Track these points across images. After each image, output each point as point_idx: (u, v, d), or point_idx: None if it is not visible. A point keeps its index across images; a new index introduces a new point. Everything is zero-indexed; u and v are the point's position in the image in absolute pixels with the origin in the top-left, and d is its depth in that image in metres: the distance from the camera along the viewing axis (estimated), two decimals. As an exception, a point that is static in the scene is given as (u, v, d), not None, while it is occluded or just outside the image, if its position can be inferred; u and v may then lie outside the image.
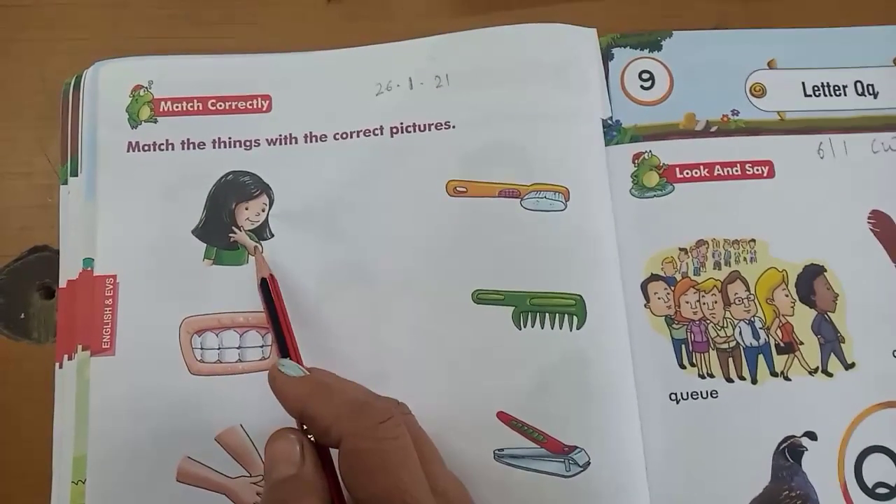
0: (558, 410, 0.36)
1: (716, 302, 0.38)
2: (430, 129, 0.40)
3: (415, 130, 0.40)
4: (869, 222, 0.40)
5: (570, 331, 0.37)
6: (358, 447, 0.29)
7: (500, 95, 0.40)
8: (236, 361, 0.37)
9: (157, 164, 0.39)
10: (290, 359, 0.33)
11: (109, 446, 0.36)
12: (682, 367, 0.37)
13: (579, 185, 0.39)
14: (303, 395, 0.31)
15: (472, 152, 0.39)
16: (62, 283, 0.38)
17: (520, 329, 0.37)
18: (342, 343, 0.37)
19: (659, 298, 0.38)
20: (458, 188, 0.39)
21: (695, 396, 0.37)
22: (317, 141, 0.40)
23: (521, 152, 0.39)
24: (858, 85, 0.42)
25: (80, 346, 0.37)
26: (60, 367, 0.37)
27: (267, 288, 0.35)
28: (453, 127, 0.40)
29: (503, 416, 0.36)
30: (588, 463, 0.35)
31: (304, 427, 0.31)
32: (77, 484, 0.36)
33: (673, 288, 0.38)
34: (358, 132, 0.40)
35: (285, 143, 0.40)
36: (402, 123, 0.40)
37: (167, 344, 0.37)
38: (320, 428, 0.30)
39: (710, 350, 0.38)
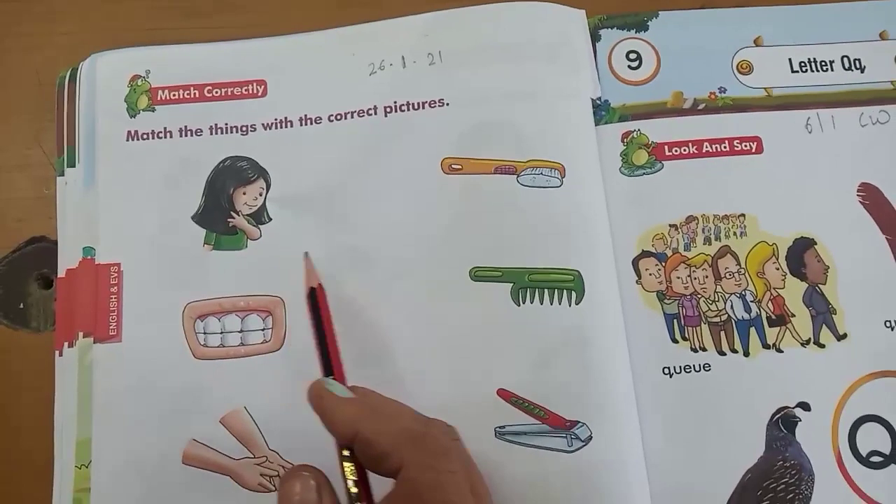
0: (559, 386, 0.36)
1: (706, 276, 0.39)
2: (424, 108, 0.40)
3: (409, 109, 0.40)
4: (858, 195, 0.40)
5: (569, 306, 0.37)
6: (418, 478, 0.28)
7: (494, 72, 0.40)
8: (238, 345, 0.38)
9: (155, 152, 0.40)
10: (334, 376, 0.32)
11: (115, 430, 0.37)
12: (675, 341, 0.38)
13: (573, 163, 0.39)
14: (354, 418, 0.30)
15: (467, 130, 0.39)
16: (61, 273, 0.39)
17: (518, 305, 0.37)
18: (342, 324, 0.37)
19: (650, 274, 0.39)
20: (453, 165, 0.39)
21: (688, 370, 0.37)
22: (312, 123, 0.40)
23: (517, 129, 0.39)
24: (845, 60, 0.42)
25: (80, 334, 0.38)
26: (60, 354, 0.38)
27: (315, 298, 0.34)
28: (447, 104, 0.40)
29: (504, 394, 0.36)
30: (590, 437, 0.36)
31: (345, 452, 0.30)
32: (81, 468, 0.36)
33: (664, 264, 0.39)
34: (352, 113, 0.40)
35: (281, 127, 0.40)
36: (395, 102, 0.40)
37: (171, 329, 0.38)
38: (375, 454, 0.29)
39: (702, 324, 0.38)
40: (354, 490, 0.30)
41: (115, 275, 0.39)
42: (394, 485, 0.29)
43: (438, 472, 0.28)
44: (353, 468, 0.30)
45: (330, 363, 0.32)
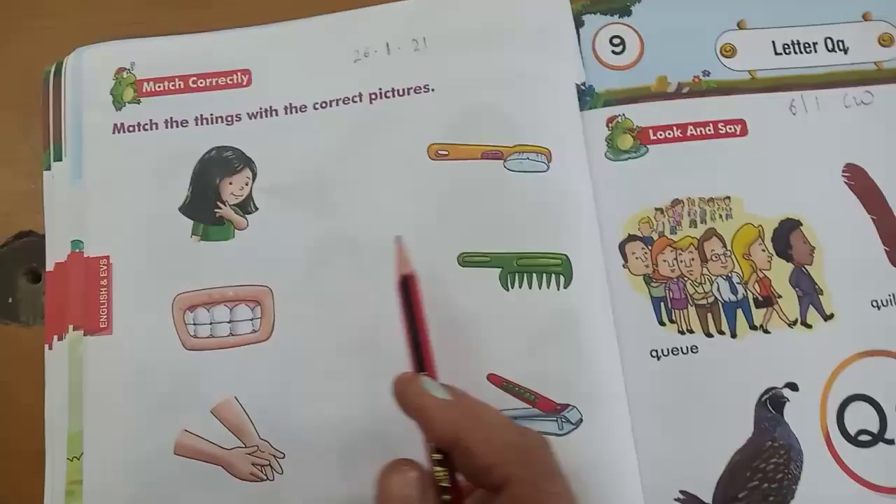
0: (548, 370, 0.36)
1: (693, 259, 0.39)
2: (409, 94, 0.40)
3: (394, 95, 0.40)
4: (843, 175, 0.40)
5: (558, 290, 0.37)
6: (524, 495, 0.27)
7: (479, 58, 0.40)
8: (228, 335, 0.38)
9: (142, 144, 0.40)
10: (426, 372, 0.30)
11: (107, 422, 0.37)
12: (662, 324, 0.38)
13: (560, 147, 0.39)
14: (455, 424, 0.28)
15: (453, 115, 0.40)
16: (49, 266, 0.39)
17: (507, 290, 0.37)
18: (332, 312, 0.38)
19: (637, 258, 0.39)
20: (439, 151, 0.39)
21: (675, 352, 0.37)
22: (297, 112, 0.41)
23: (503, 114, 0.39)
24: (828, 41, 0.42)
25: (71, 327, 0.38)
26: (50, 347, 0.38)
27: (407, 287, 0.32)
28: (432, 90, 0.40)
29: (494, 379, 0.37)
30: (581, 420, 0.36)
31: (437, 455, 0.29)
32: (72, 460, 0.37)
33: (650, 247, 0.39)
34: (337, 100, 0.40)
35: (266, 116, 0.41)
36: (380, 89, 0.40)
37: (161, 321, 0.38)
38: (479, 465, 0.27)
39: (689, 306, 0.38)
40: (447, 497, 0.28)
41: (105, 267, 0.39)
42: (484, 494, 0.28)
43: (546, 494, 0.28)
44: (445, 473, 0.29)
45: (422, 358, 0.31)
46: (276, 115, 0.41)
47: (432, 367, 0.30)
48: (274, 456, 0.37)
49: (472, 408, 0.29)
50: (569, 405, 0.36)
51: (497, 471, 0.27)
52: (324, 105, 0.40)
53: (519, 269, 0.37)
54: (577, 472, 0.34)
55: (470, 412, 0.29)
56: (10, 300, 0.40)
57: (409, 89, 0.40)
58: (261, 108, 0.41)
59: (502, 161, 0.39)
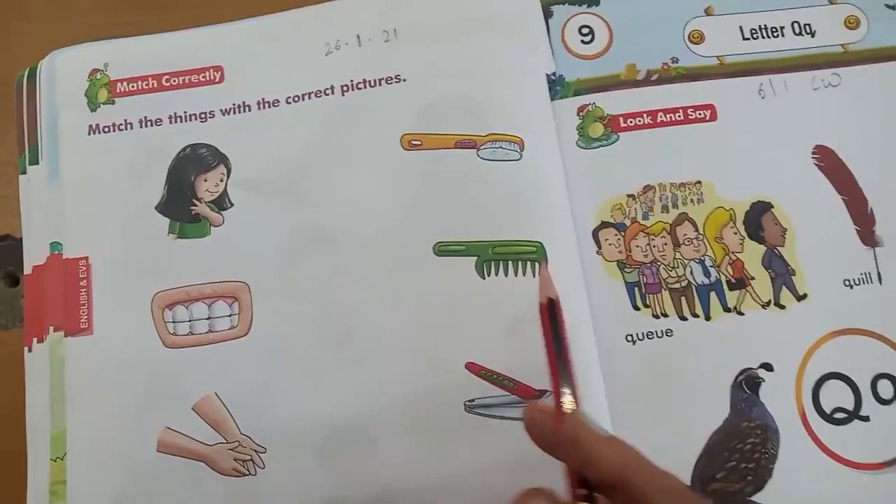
0: (526, 357, 0.37)
1: (665, 244, 0.39)
2: (380, 84, 0.40)
3: (366, 87, 0.41)
4: (813, 157, 0.40)
5: (533, 277, 0.37)
6: None
7: (450, 48, 0.41)
8: (207, 332, 0.38)
9: (117, 144, 0.41)
10: (574, 400, 0.29)
11: (90, 421, 0.37)
12: (636, 308, 0.38)
13: (532, 136, 0.39)
14: (623, 461, 0.26)
15: (426, 105, 0.40)
16: (27, 270, 0.39)
17: (484, 278, 0.38)
18: (310, 306, 0.38)
19: (610, 244, 0.39)
20: (412, 141, 0.39)
21: (650, 336, 0.38)
22: (269, 107, 0.41)
23: (475, 103, 0.40)
24: (795, 25, 0.42)
25: (51, 328, 0.38)
26: (30, 350, 0.38)
27: (552, 311, 0.31)
28: (404, 80, 0.40)
29: (472, 367, 0.37)
30: None
31: (582, 490, 0.27)
32: (56, 461, 0.37)
33: (623, 233, 0.39)
34: (309, 94, 0.41)
35: (239, 112, 0.41)
36: (352, 81, 0.41)
37: (141, 320, 0.38)
38: None
39: (663, 290, 0.39)
40: None
41: (84, 268, 0.39)
42: None
43: None
44: None
45: (569, 384, 0.29)
46: (249, 110, 0.41)
47: (578, 394, 0.29)
48: (255, 451, 0.37)
49: (634, 448, 0.27)
50: (547, 391, 0.36)
51: None
52: (296, 99, 0.41)
53: (495, 256, 0.38)
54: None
55: (635, 451, 0.27)
56: (-10, 304, 0.40)
57: (380, 80, 0.40)
58: (234, 105, 0.41)
59: (476, 150, 0.39)
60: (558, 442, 0.28)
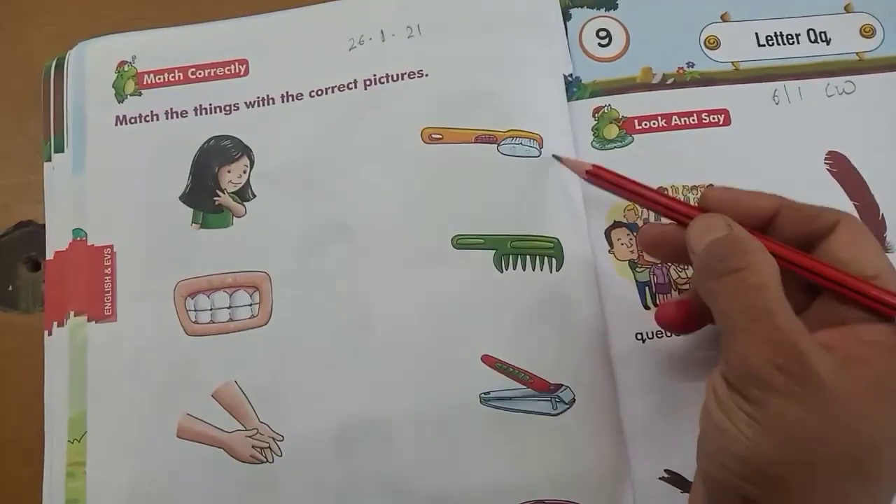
0: (542, 350, 0.37)
1: (677, 246, 0.40)
2: (403, 79, 0.41)
3: (388, 81, 0.41)
4: (826, 163, 0.41)
5: (550, 273, 0.38)
6: (857, 225, 0.30)
7: (472, 44, 0.41)
8: (228, 321, 0.39)
9: (143, 135, 0.41)
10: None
11: (110, 406, 0.38)
12: (647, 307, 0.39)
13: (550, 134, 0.40)
14: (773, 196, 0.32)
15: (447, 99, 0.40)
16: (49, 255, 0.40)
17: (501, 272, 0.38)
18: (328, 297, 0.39)
19: (622, 244, 0.40)
20: (433, 135, 0.40)
21: (659, 335, 0.38)
22: (293, 100, 0.41)
23: (496, 100, 0.40)
24: (811, 33, 0.43)
25: (72, 313, 0.39)
26: (50, 334, 0.39)
27: (599, 176, 0.36)
28: (426, 75, 0.41)
29: (488, 359, 0.37)
30: (573, 400, 0.36)
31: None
32: (73, 443, 0.38)
33: (635, 234, 0.40)
34: (332, 88, 0.41)
35: (263, 105, 0.41)
36: (375, 75, 0.41)
37: (164, 308, 0.39)
38: (807, 215, 0.31)
39: (673, 291, 0.39)
40: None
41: (109, 256, 0.40)
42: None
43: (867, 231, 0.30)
44: None
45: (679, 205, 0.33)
46: (273, 103, 0.41)
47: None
48: (273, 439, 0.37)
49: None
50: (562, 385, 0.37)
51: (825, 215, 0.30)
52: (319, 93, 0.41)
53: (513, 251, 0.38)
54: (571, 450, 0.36)
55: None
56: (10, 288, 0.41)
57: (402, 75, 0.41)
58: (258, 97, 0.42)
59: (496, 145, 0.40)
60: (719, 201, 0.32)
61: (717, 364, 0.29)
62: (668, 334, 0.38)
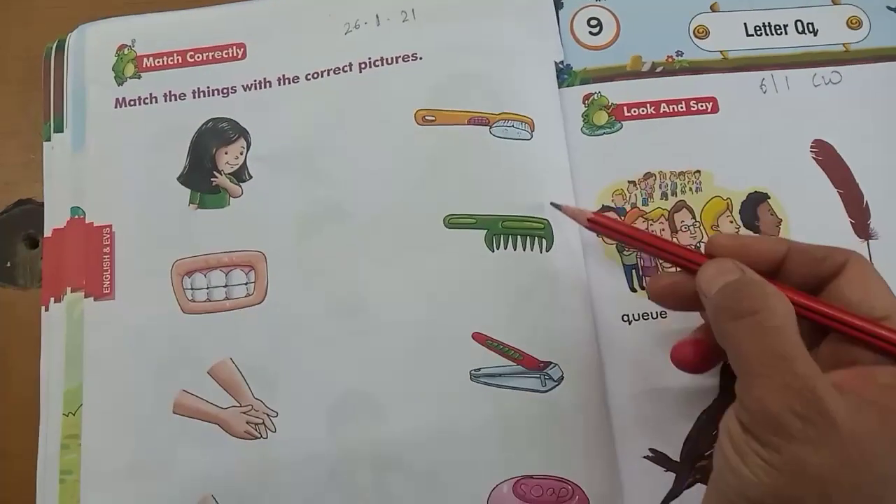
0: (531, 329, 0.38)
1: (663, 229, 0.40)
2: (397, 62, 0.42)
3: (382, 64, 0.42)
4: (811, 151, 0.41)
5: (540, 253, 0.39)
6: (865, 265, 0.31)
7: (466, 29, 0.42)
8: (224, 299, 0.40)
9: (142, 117, 0.42)
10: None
11: (107, 382, 0.39)
12: (633, 290, 0.40)
13: (541, 119, 0.41)
14: (779, 240, 0.33)
15: (440, 83, 0.41)
16: (47, 233, 0.41)
17: (492, 251, 0.39)
18: (322, 276, 0.39)
19: (610, 228, 0.40)
20: (426, 117, 0.41)
21: (645, 317, 0.39)
22: (290, 83, 0.42)
23: (489, 83, 0.41)
24: (799, 24, 0.44)
25: (69, 289, 0.40)
26: (46, 309, 0.40)
27: (600, 224, 0.36)
28: (420, 58, 0.42)
29: (479, 337, 0.38)
30: (562, 378, 0.37)
31: None
32: (68, 416, 0.38)
33: (623, 218, 0.40)
34: (328, 71, 0.42)
35: (260, 88, 0.42)
36: (370, 58, 0.42)
37: (161, 286, 0.40)
38: (814, 258, 0.31)
39: (659, 272, 0.40)
40: None
41: (108, 236, 0.40)
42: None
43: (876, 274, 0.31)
44: None
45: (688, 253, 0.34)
46: (270, 86, 0.42)
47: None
48: (267, 415, 0.38)
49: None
50: (551, 363, 0.37)
51: (833, 256, 0.31)
52: (315, 76, 0.42)
53: (504, 231, 0.39)
54: (559, 426, 0.37)
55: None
56: (9, 264, 0.42)
57: (397, 58, 0.42)
58: (255, 80, 0.42)
59: (488, 127, 0.40)
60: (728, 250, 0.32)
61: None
62: (654, 316, 0.39)
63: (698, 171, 0.41)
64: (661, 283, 0.34)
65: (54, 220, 0.41)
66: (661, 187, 0.41)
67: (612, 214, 0.40)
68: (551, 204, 0.38)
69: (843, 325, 0.29)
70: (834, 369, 0.29)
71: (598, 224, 0.36)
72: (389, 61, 0.42)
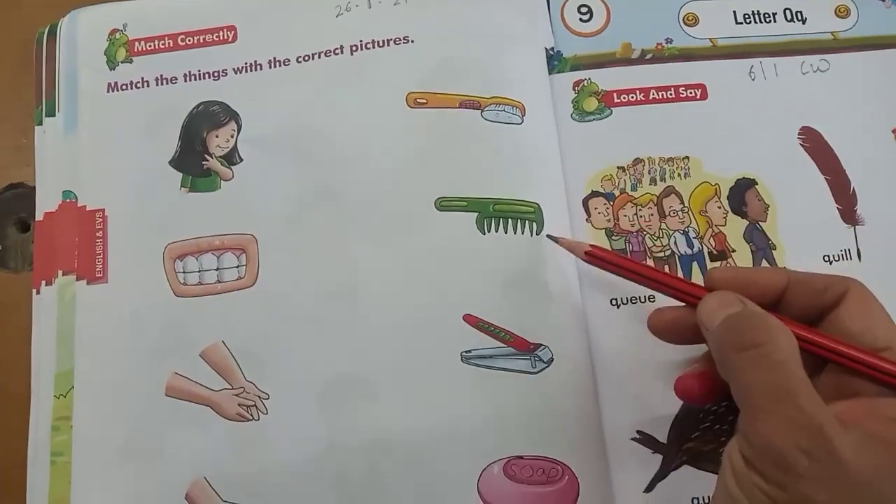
0: (522, 311, 0.38)
1: (652, 215, 0.41)
2: (388, 45, 0.42)
3: (374, 47, 0.42)
4: (799, 138, 0.42)
5: (531, 236, 0.39)
6: (866, 292, 0.30)
7: (457, 12, 0.42)
8: (215, 282, 0.40)
9: (134, 101, 0.42)
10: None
11: (99, 364, 0.39)
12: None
13: (532, 104, 0.41)
14: (780, 271, 0.33)
15: (432, 65, 0.41)
16: (39, 216, 0.41)
17: (484, 234, 0.39)
18: (313, 259, 0.40)
19: (599, 213, 0.41)
20: (418, 100, 0.41)
21: (634, 301, 0.39)
22: (281, 66, 0.42)
23: (480, 67, 0.41)
24: (787, 12, 0.44)
25: (60, 272, 0.40)
26: (38, 292, 0.40)
27: (598, 257, 0.36)
28: (412, 42, 0.42)
29: (470, 319, 0.38)
30: (552, 359, 0.38)
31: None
32: (59, 398, 0.39)
33: (612, 203, 0.41)
34: (319, 54, 0.42)
35: (251, 71, 0.42)
36: (361, 41, 0.42)
37: (153, 269, 0.40)
38: (815, 289, 0.31)
39: (648, 258, 0.40)
40: None
41: (101, 220, 0.41)
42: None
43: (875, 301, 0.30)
44: None
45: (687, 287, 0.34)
46: (261, 69, 0.42)
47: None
48: (259, 397, 0.38)
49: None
50: (541, 344, 0.38)
51: (833, 287, 0.30)
52: (306, 58, 0.42)
53: (495, 213, 0.39)
54: (548, 407, 0.37)
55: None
56: (0, 248, 0.42)
57: (388, 41, 0.42)
58: (246, 63, 0.42)
59: (479, 111, 0.40)
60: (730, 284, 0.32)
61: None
62: (643, 300, 0.39)
63: (687, 157, 0.41)
64: (668, 318, 0.34)
65: (46, 203, 0.41)
66: (649, 173, 0.41)
67: (601, 200, 0.41)
68: (548, 236, 0.38)
69: (845, 359, 0.29)
70: (835, 400, 0.29)
71: (595, 258, 0.35)
72: (381, 44, 0.42)
